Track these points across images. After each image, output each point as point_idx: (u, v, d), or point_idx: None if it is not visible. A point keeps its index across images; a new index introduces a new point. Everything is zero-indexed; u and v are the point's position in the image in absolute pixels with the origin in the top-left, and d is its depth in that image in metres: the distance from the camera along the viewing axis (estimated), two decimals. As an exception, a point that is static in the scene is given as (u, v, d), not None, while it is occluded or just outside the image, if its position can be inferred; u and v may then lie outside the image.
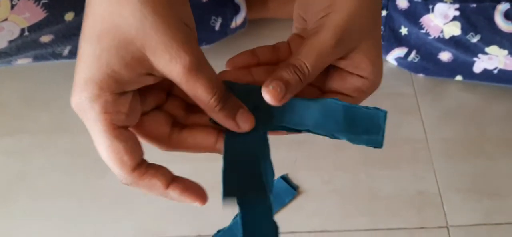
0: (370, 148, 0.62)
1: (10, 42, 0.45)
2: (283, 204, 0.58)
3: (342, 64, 0.36)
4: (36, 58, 0.53)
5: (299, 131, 0.35)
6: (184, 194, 0.32)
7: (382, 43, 0.66)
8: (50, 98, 0.68)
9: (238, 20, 0.65)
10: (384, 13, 0.63)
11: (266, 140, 0.34)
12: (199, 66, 0.30)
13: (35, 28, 0.45)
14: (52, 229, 0.56)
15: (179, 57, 0.29)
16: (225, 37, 0.65)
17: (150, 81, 0.31)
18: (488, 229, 0.56)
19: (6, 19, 0.42)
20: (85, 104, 0.29)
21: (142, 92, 0.32)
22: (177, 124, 0.34)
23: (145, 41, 0.29)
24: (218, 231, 0.56)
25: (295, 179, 0.60)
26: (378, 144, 0.34)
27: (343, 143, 0.63)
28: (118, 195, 0.59)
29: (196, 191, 0.32)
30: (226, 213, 0.57)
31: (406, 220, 0.57)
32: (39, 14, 0.45)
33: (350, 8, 0.34)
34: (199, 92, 0.31)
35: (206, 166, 0.64)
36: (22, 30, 0.45)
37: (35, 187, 0.60)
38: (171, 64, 0.29)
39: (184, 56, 0.29)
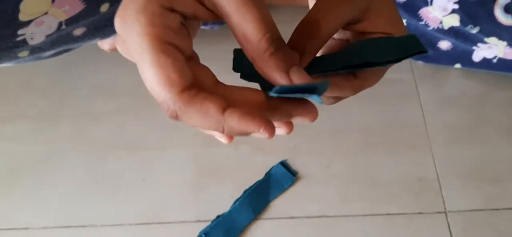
0: (369, 133, 0.62)
1: (47, 36, 0.45)
2: (282, 189, 0.58)
3: (360, 27, 0.34)
4: (64, 49, 0.53)
5: (335, 70, 0.32)
6: (243, 120, 0.26)
7: None
8: (49, 84, 0.68)
9: None
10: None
11: None
12: None
13: (73, 21, 0.45)
14: (53, 214, 0.57)
15: None
16: None
17: (200, 11, 0.27)
18: (487, 214, 0.56)
19: (46, 13, 0.42)
20: (130, 16, 0.25)
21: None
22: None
23: None
24: (218, 216, 0.56)
25: (295, 164, 0.60)
26: (423, 48, 0.32)
27: (342, 128, 0.64)
28: (118, 181, 0.59)
29: (258, 117, 0.26)
30: (226, 199, 0.57)
31: (405, 206, 0.57)
32: (78, 6, 0.44)
33: None
34: (249, 26, 0.26)
35: (203, 152, 0.64)
36: (60, 24, 0.44)
37: (35, 172, 0.60)
38: None
39: None
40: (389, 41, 0.33)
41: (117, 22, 0.26)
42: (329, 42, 0.36)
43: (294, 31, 0.31)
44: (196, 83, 0.26)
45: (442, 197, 0.58)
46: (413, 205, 0.57)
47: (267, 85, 0.29)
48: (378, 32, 0.34)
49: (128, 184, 0.59)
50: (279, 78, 0.27)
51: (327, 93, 0.34)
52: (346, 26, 0.34)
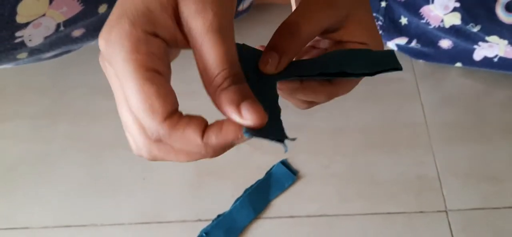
0: (369, 132, 0.62)
1: (45, 38, 0.45)
2: (282, 188, 0.58)
3: (337, 36, 0.35)
4: (63, 50, 0.53)
5: (311, 75, 0.33)
6: (221, 135, 0.26)
7: (382, 33, 0.66)
8: (49, 83, 0.68)
9: (245, 3, 0.64)
10: (383, 4, 0.63)
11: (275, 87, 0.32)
12: (221, 30, 0.27)
13: (71, 22, 0.45)
14: (53, 213, 0.57)
15: (205, 11, 0.26)
16: None
17: (179, 37, 0.28)
18: (487, 213, 0.56)
19: (44, 15, 0.42)
20: (114, 41, 0.26)
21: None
22: None
23: None
24: (218, 216, 0.56)
25: (295, 164, 0.60)
26: (398, 65, 0.33)
27: (342, 127, 0.63)
28: (118, 180, 0.59)
29: (234, 126, 0.26)
30: (226, 198, 0.57)
31: (405, 204, 0.57)
32: (76, 8, 0.44)
33: None
34: (210, 59, 0.26)
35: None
36: (58, 25, 0.44)
37: (35, 171, 0.60)
38: (195, 16, 0.26)
39: (210, 12, 0.26)
40: (367, 54, 0.34)
41: (102, 44, 0.26)
42: (309, 51, 0.38)
43: (275, 32, 0.32)
44: (177, 110, 0.27)
45: (443, 195, 0.58)
46: (413, 204, 0.57)
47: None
48: (355, 42, 0.35)
49: (128, 183, 0.59)
50: (230, 112, 0.26)
51: (302, 97, 0.35)
52: (325, 34, 0.35)
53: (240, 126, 0.26)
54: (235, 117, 0.26)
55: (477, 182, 0.59)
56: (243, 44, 0.33)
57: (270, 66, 0.32)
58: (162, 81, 0.26)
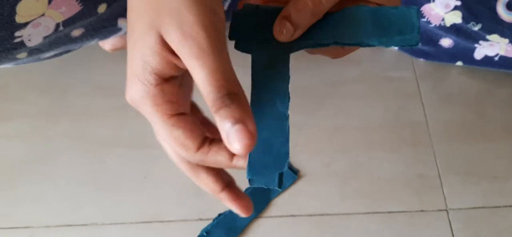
0: (370, 131, 0.62)
1: (45, 38, 0.45)
2: (283, 188, 0.58)
3: None
4: (63, 50, 0.53)
5: (326, 45, 0.33)
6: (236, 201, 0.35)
7: None
8: (50, 82, 0.68)
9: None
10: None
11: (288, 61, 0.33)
12: (203, 53, 0.27)
13: (70, 22, 0.45)
14: (54, 213, 0.57)
15: (185, 39, 0.27)
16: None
17: (181, 64, 0.29)
18: (488, 212, 0.56)
19: (43, 15, 0.42)
20: (136, 100, 0.30)
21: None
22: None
23: (161, 22, 0.28)
24: (219, 215, 0.56)
25: (295, 163, 0.60)
26: (413, 42, 0.31)
27: (343, 126, 0.63)
28: (119, 179, 0.59)
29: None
30: (227, 196, 0.57)
31: (406, 203, 0.57)
32: (75, 8, 0.44)
33: None
34: (199, 83, 0.28)
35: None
36: (57, 25, 0.44)
37: (36, 170, 0.60)
38: (178, 47, 0.28)
39: (189, 40, 0.27)
40: (385, 16, 0.32)
41: (130, 102, 0.30)
42: None
43: (290, 2, 0.32)
44: (206, 136, 0.31)
45: (443, 194, 0.58)
46: (414, 203, 0.57)
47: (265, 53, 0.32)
48: (372, 2, 0.33)
49: (129, 182, 0.59)
50: (222, 132, 0.27)
51: (309, 52, 0.36)
52: None
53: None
54: (225, 139, 0.27)
55: (477, 180, 0.59)
56: (257, 5, 0.33)
57: (284, 36, 0.32)
58: (186, 121, 0.30)
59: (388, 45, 0.32)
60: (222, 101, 0.27)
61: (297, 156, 0.60)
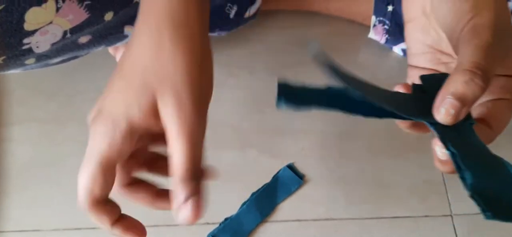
0: (375, 137, 0.62)
1: (52, 45, 0.45)
2: (289, 192, 0.58)
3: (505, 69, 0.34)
4: (70, 57, 0.54)
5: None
6: (125, 233, 0.37)
7: (388, 37, 0.66)
8: (58, 87, 0.68)
9: (252, 10, 0.64)
10: (390, 8, 0.63)
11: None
12: (192, 136, 0.32)
13: (77, 29, 0.46)
14: (62, 216, 0.57)
15: (179, 116, 0.31)
16: (238, 27, 0.65)
17: (154, 129, 0.33)
18: (492, 217, 0.56)
19: (51, 22, 0.42)
20: (97, 126, 0.33)
21: None
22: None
23: (160, 85, 0.31)
24: (225, 219, 0.56)
25: (302, 168, 0.60)
26: None
27: (349, 132, 0.64)
28: (126, 183, 0.60)
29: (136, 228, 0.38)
30: (233, 202, 0.58)
31: (411, 209, 0.57)
32: (82, 16, 0.45)
33: (491, 8, 0.32)
34: (178, 158, 0.32)
35: (211, 155, 0.65)
36: (65, 32, 0.45)
37: (44, 174, 0.61)
38: (170, 120, 0.31)
39: (183, 118, 0.31)
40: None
41: (90, 117, 0.35)
42: None
43: (455, 81, 0.30)
44: (108, 200, 0.36)
45: (448, 200, 0.58)
46: (419, 208, 0.57)
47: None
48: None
49: (136, 186, 0.59)
50: (176, 202, 0.34)
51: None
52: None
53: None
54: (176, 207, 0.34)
55: (482, 186, 0.59)
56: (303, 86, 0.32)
57: (452, 118, 0.30)
58: (113, 178, 0.35)
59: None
60: (189, 177, 0.33)
61: (303, 161, 0.61)
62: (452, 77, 0.30)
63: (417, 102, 0.33)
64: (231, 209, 0.57)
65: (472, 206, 0.57)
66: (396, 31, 0.64)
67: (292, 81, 0.32)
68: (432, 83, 0.32)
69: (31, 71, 0.69)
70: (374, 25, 0.66)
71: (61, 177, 0.60)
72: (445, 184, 0.59)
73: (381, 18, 0.65)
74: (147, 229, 0.57)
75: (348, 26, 0.72)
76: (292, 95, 0.31)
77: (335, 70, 0.30)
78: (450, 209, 0.57)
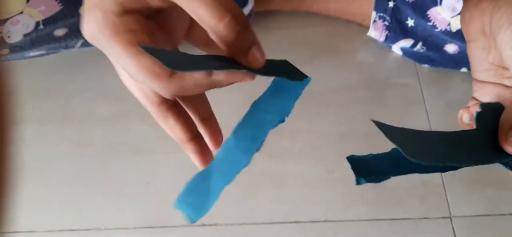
0: (374, 138, 0.62)
1: (25, 35, 0.45)
2: (297, 95, 0.44)
3: None
4: (49, 50, 0.53)
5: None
6: (229, 74, 0.29)
7: (388, 34, 0.66)
8: (55, 87, 0.68)
9: (245, 11, 0.64)
10: (391, 4, 0.63)
11: None
12: None
13: (50, 21, 0.45)
14: (57, 218, 0.57)
15: None
16: None
17: (153, 2, 0.27)
18: (492, 219, 0.56)
19: (21, 12, 0.42)
20: (95, 32, 0.27)
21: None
22: None
23: None
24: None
25: (299, 169, 0.60)
26: None
27: (347, 132, 0.63)
28: (122, 184, 0.59)
29: (239, 73, 0.29)
30: (230, 203, 0.57)
31: (410, 210, 0.57)
32: (54, 7, 0.45)
33: None
34: (202, 12, 0.25)
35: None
36: (37, 24, 0.45)
37: (40, 175, 0.60)
38: None
39: None
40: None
41: (86, 36, 0.28)
42: None
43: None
44: None
45: (447, 201, 0.58)
46: (418, 210, 0.57)
47: None
48: None
49: (132, 187, 0.59)
50: (244, 60, 0.28)
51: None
52: None
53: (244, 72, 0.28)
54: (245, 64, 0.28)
55: (482, 188, 0.58)
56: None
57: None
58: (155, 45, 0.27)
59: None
60: (239, 30, 0.26)
61: (300, 162, 0.60)
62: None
63: (483, 138, 0.36)
64: (228, 210, 0.57)
65: (471, 208, 0.57)
66: (397, 28, 0.64)
67: (359, 155, 0.33)
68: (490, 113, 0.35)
69: (28, 71, 0.69)
70: (374, 21, 0.66)
71: (57, 178, 0.60)
72: (444, 186, 0.59)
73: (382, 14, 0.65)
74: (143, 231, 0.56)
75: (347, 27, 0.72)
76: (367, 170, 0.32)
77: (397, 136, 0.32)
78: (449, 211, 0.57)
